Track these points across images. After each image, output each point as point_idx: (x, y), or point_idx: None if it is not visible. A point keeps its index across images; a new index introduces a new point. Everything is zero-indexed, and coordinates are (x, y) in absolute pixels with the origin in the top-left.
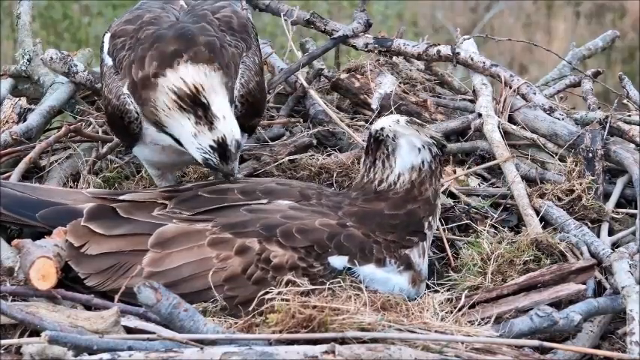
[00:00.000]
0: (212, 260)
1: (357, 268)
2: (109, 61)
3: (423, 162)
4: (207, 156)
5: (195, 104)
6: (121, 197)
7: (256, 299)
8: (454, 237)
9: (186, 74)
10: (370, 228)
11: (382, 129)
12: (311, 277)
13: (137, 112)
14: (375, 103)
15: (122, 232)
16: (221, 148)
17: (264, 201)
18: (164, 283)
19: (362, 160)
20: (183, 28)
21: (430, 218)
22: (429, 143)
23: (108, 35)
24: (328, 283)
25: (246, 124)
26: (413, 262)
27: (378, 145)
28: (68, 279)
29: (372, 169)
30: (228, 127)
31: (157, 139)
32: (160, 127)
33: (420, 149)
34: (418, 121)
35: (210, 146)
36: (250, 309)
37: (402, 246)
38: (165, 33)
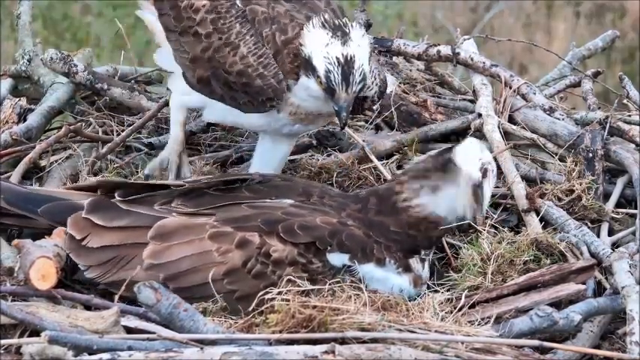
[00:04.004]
0: (212, 253)
1: (356, 266)
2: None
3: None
4: (330, 67)
5: (336, 27)
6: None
7: (257, 299)
8: (454, 237)
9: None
10: (373, 232)
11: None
12: (310, 273)
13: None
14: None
15: (123, 224)
16: (347, 65)
17: (268, 199)
18: (164, 276)
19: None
20: (310, 16)
21: (427, 250)
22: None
23: None
24: (328, 283)
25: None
26: (412, 267)
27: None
28: (68, 279)
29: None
30: (360, 53)
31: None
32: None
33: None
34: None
35: (337, 58)
36: (250, 309)
37: (402, 254)
38: (296, 14)
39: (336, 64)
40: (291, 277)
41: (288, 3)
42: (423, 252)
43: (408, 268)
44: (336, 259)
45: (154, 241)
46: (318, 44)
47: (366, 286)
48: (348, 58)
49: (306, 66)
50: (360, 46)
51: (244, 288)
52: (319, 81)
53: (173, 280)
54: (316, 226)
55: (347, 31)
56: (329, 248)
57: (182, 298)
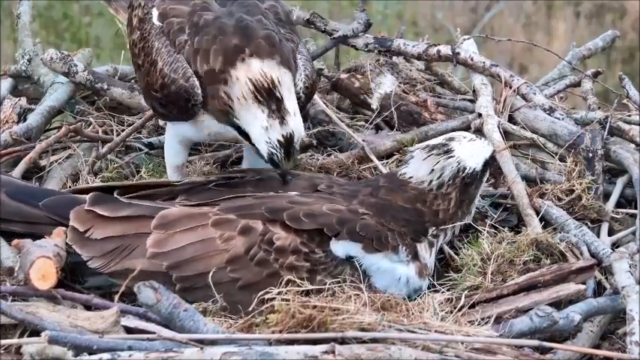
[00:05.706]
0: (215, 241)
1: (360, 257)
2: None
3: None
4: (273, 150)
5: (270, 97)
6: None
7: (258, 294)
8: (454, 237)
9: (260, 68)
10: (385, 218)
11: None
12: (312, 262)
13: (202, 97)
14: (375, 103)
15: (126, 214)
16: (287, 143)
17: (273, 192)
18: (167, 264)
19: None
20: (243, 20)
21: (433, 229)
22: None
23: (155, 12)
24: (329, 283)
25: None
26: (419, 254)
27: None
28: (68, 279)
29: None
30: (297, 123)
31: (215, 129)
32: (226, 118)
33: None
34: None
35: (279, 141)
36: (250, 308)
37: (411, 238)
38: (225, 24)
39: (278, 146)
40: (293, 264)
41: (222, 8)
42: (431, 231)
43: (415, 256)
44: (340, 249)
45: (157, 230)
46: (257, 126)
47: (370, 278)
48: (288, 137)
49: None
50: (295, 114)
51: (247, 276)
52: None
53: (177, 269)
54: (323, 213)
55: (280, 97)
56: (337, 236)
57: (186, 286)
